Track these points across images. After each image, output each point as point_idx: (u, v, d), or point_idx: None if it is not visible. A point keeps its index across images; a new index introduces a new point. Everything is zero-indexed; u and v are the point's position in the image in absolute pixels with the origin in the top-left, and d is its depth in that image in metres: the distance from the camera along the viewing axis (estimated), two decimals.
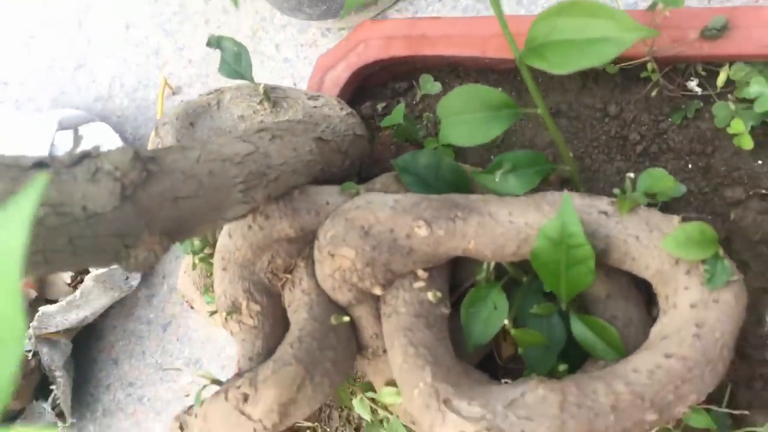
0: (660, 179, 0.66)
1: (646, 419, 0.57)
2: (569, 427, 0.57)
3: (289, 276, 0.76)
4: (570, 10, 0.59)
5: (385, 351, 0.71)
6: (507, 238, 0.65)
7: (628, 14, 0.57)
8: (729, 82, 0.76)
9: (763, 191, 0.72)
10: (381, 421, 0.80)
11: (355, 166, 0.81)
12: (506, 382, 0.63)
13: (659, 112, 0.79)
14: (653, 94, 0.79)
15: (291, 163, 0.70)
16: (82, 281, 1.32)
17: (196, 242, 0.83)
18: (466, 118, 0.67)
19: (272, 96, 0.83)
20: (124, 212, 0.55)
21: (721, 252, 0.60)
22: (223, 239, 0.76)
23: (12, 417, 1.38)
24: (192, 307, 0.91)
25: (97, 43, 1.60)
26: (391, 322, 0.68)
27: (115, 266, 1.28)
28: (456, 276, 0.74)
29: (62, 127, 1.43)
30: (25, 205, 0.24)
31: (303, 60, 1.36)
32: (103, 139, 1.40)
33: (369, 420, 0.80)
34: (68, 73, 1.62)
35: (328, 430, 0.92)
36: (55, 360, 1.36)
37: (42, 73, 1.66)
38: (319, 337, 0.70)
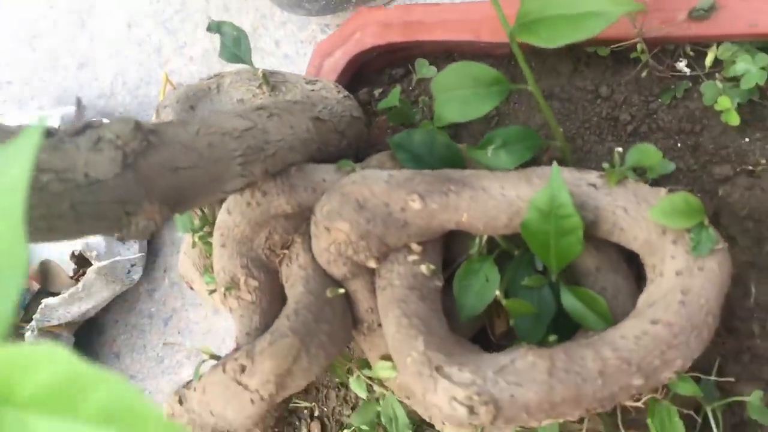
0: (647, 154, 0.68)
1: (633, 384, 0.59)
2: (557, 392, 0.58)
3: (286, 252, 0.78)
4: None
5: (380, 325, 0.72)
6: (499, 211, 0.66)
7: None
8: (717, 62, 0.77)
9: (750, 168, 0.74)
10: (377, 399, 0.81)
11: (352, 147, 0.83)
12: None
13: (649, 92, 0.81)
14: (643, 75, 0.80)
15: (288, 140, 0.72)
16: (84, 274, 1.33)
17: (196, 221, 0.85)
18: (458, 94, 0.69)
19: (271, 80, 0.84)
20: (125, 180, 0.57)
21: (706, 221, 0.61)
22: (222, 216, 0.77)
23: None
24: (192, 288, 0.93)
25: (100, 42, 1.61)
26: (386, 295, 0.69)
27: (119, 257, 1.30)
28: (451, 251, 0.76)
29: (64, 124, 1.44)
30: (28, 142, 0.25)
31: (303, 56, 1.38)
32: None
33: (365, 398, 0.81)
34: (71, 71, 1.63)
35: (326, 409, 0.93)
36: None
37: (45, 72, 1.67)
38: (315, 310, 0.71)
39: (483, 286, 0.69)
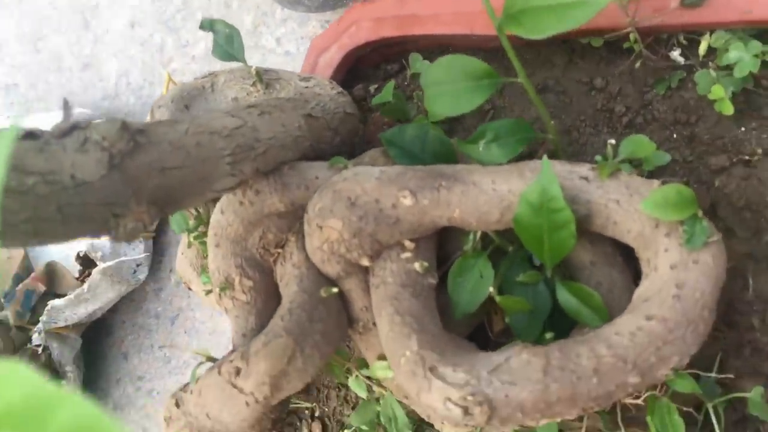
0: (641, 145, 0.67)
1: (629, 382, 0.58)
2: (552, 391, 0.58)
3: (280, 251, 0.77)
4: None
5: (375, 324, 0.72)
6: (491, 206, 0.65)
7: None
8: (711, 50, 0.76)
9: (746, 158, 0.73)
10: (377, 399, 0.81)
11: (347, 144, 0.82)
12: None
13: (644, 83, 0.80)
14: (637, 65, 0.79)
15: (280, 138, 0.71)
16: (89, 275, 1.33)
17: (191, 221, 0.85)
18: (448, 88, 0.68)
19: (265, 78, 0.84)
20: (112, 181, 0.57)
21: (699, 213, 0.60)
22: (215, 215, 0.77)
23: None
24: (190, 288, 0.92)
25: (104, 43, 1.61)
26: (379, 293, 0.69)
27: (118, 256, 1.30)
28: (445, 248, 0.75)
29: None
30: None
31: (304, 53, 1.37)
32: None
33: (365, 398, 0.81)
34: (75, 73, 1.64)
35: (327, 409, 0.93)
36: (65, 355, 1.37)
37: (50, 74, 1.68)
38: (309, 309, 0.71)
39: (477, 283, 0.69)
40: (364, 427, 0.82)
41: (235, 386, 0.69)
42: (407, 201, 0.67)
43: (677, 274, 0.60)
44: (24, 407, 0.22)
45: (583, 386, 0.58)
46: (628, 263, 0.69)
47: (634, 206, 0.62)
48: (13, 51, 1.73)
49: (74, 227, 0.56)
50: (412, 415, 0.77)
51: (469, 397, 0.58)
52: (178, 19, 1.53)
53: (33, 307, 1.37)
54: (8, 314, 1.34)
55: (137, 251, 1.38)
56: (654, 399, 0.63)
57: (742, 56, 0.70)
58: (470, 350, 0.65)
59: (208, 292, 0.82)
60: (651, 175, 0.73)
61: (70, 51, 1.65)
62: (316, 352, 0.70)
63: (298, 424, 0.95)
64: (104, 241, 1.34)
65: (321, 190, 0.70)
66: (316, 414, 0.94)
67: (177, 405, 0.75)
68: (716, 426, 0.66)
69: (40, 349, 1.35)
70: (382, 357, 0.74)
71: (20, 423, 0.22)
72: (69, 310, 1.33)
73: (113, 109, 1.57)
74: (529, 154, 0.76)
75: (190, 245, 0.88)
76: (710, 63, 0.76)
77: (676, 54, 0.78)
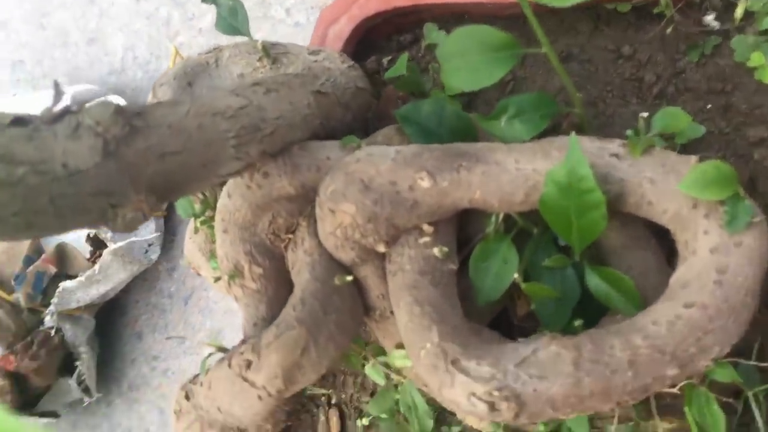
0: (676, 117, 0.63)
1: (667, 374, 0.55)
2: (584, 385, 0.55)
3: (291, 236, 0.74)
4: None
5: (392, 312, 0.68)
6: (514, 186, 0.62)
7: None
8: (748, 14, 0.73)
9: None
10: (396, 386, 0.78)
11: (359, 120, 0.79)
12: (519, 341, 0.60)
13: (675, 50, 0.76)
14: (668, 31, 0.76)
15: (287, 117, 0.67)
16: (100, 256, 1.31)
17: (197, 205, 0.81)
18: (466, 61, 0.64)
19: (272, 52, 0.80)
20: (107, 169, 0.53)
21: (741, 192, 0.56)
22: (223, 200, 0.74)
23: (38, 394, 1.38)
24: (199, 274, 0.89)
25: (109, 17, 1.59)
26: (397, 281, 0.66)
27: (125, 239, 1.27)
28: (465, 231, 0.71)
29: (76, 102, 1.42)
30: None
31: (314, 24, 1.33)
32: None
33: (382, 385, 0.78)
34: (81, 48, 1.61)
35: (344, 396, 0.90)
36: (78, 336, 1.36)
37: (56, 50, 1.65)
38: (323, 299, 0.68)
39: (501, 268, 0.65)
40: (383, 416, 0.79)
41: (246, 380, 0.67)
42: (425, 183, 0.63)
43: (718, 258, 0.56)
44: None
45: (618, 380, 0.55)
46: (662, 245, 0.66)
47: (670, 185, 0.59)
48: (19, 28, 1.71)
49: (69, 219, 0.53)
50: (432, 402, 0.74)
51: (495, 392, 0.55)
52: None
53: (44, 289, 1.36)
54: (19, 296, 1.33)
55: (148, 231, 1.35)
56: (691, 388, 0.60)
57: None
58: (494, 341, 0.62)
59: (217, 279, 0.79)
60: (684, 148, 0.69)
61: (76, 26, 1.63)
62: (330, 344, 0.67)
63: (315, 410, 0.92)
64: None
65: (333, 172, 0.67)
66: (333, 401, 0.91)
67: (187, 397, 0.73)
68: (757, 415, 0.63)
69: (53, 331, 1.33)
70: (400, 346, 0.71)
71: None
72: (81, 291, 1.31)
73: (120, 84, 1.54)
74: (553, 128, 0.72)
75: (197, 230, 0.84)
76: (748, 28, 0.72)
77: (710, 18, 0.75)
